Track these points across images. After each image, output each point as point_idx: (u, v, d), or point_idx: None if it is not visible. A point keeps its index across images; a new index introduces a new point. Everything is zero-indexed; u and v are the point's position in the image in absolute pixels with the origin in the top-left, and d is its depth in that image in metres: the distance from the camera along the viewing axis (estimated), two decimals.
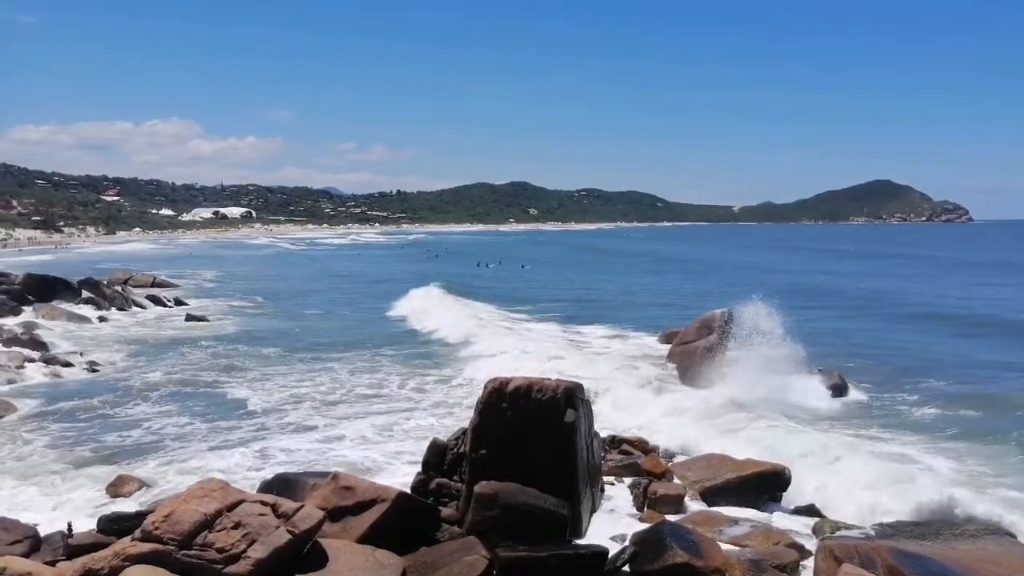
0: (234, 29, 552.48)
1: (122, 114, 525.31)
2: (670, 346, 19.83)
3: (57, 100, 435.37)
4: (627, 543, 7.28)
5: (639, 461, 11.05)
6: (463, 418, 11.03)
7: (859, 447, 12.78)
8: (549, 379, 7.98)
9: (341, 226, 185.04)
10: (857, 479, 10.87)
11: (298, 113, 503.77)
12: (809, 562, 7.39)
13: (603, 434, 10.86)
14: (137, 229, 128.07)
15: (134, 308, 30.75)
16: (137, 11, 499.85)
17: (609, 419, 13.64)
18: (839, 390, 16.55)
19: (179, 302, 33.25)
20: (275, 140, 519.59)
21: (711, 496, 10.02)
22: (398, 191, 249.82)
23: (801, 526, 9.21)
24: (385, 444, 12.77)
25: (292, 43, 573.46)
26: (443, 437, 8.61)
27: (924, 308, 33.25)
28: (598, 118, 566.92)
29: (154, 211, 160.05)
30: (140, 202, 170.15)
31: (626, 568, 6.91)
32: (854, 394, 16.71)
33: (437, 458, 8.28)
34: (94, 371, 18.65)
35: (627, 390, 16.43)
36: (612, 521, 8.86)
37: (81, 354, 20.24)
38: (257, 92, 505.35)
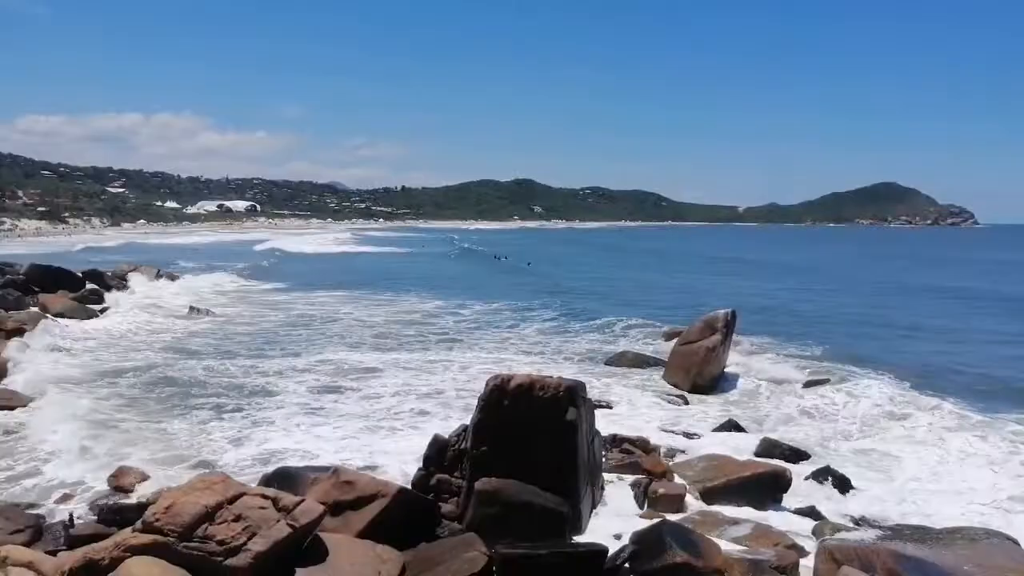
0: (245, 26, 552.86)
1: (133, 106, 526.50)
2: (672, 344, 19.79)
3: (67, 91, 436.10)
4: (626, 542, 7.28)
5: (640, 460, 11.03)
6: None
7: (861, 450, 12.77)
8: (551, 377, 7.99)
9: (346, 220, 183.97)
10: (859, 482, 10.89)
11: (308, 109, 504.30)
12: (809, 563, 7.38)
13: (604, 433, 10.86)
14: (142, 221, 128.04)
15: (137, 300, 30.87)
16: (151, 4, 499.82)
17: (610, 419, 13.61)
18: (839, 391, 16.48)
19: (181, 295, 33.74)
20: (284, 135, 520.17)
21: (711, 496, 10.00)
22: (403, 187, 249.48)
23: (801, 528, 9.19)
24: None
25: (304, 40, 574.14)
26: (444, 433, 8.63)
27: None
28: (604, 116, 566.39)
29: (159, 203, 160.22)
30: (145, 194, 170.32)
31: (625, 567, 6.91)
32: (856, 397, 16.62)
33: (438, 454, 8.30)
34: (97, 361, 18.71)
35: (629, 390, 16.43)
36: (612, 520, 8.84)
37: (84, 345, 20.30)
38: (269, 87, 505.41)
